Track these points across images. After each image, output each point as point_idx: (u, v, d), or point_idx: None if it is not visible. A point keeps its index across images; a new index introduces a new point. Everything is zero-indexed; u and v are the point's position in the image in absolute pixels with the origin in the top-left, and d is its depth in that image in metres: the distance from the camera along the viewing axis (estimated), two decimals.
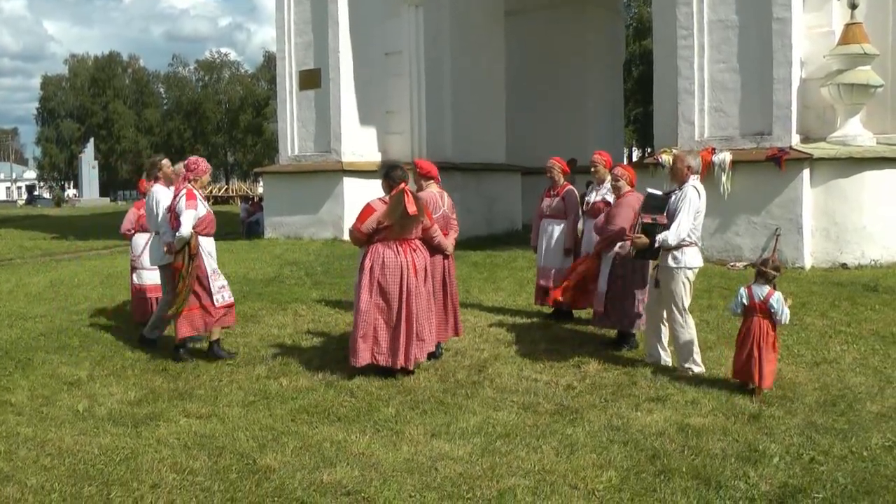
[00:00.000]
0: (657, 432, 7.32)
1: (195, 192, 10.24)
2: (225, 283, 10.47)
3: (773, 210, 15.87)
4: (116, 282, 16.14)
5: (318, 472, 6.51)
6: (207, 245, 10.35)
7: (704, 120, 16.66)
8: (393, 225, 9.11)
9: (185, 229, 9.94)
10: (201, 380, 9.37)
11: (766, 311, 8.46)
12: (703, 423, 7.54)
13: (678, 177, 9.33)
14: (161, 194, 10.84)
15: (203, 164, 10.55)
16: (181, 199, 10.10)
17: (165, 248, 10.45)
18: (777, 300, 8.42)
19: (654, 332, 9.62)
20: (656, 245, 8.96)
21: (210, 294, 10.16)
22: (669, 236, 8.90)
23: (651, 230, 8.94)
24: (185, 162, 10.67)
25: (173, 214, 10.15)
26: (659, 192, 9.39)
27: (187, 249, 10.00)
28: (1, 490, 6.34)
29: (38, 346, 10.96)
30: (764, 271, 8.57)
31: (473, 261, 17.50)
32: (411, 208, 9.06)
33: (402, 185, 9.27)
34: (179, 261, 10.06)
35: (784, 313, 8.42)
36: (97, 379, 9.48)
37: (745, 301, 8.59)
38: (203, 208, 10.30)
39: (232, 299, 10.51)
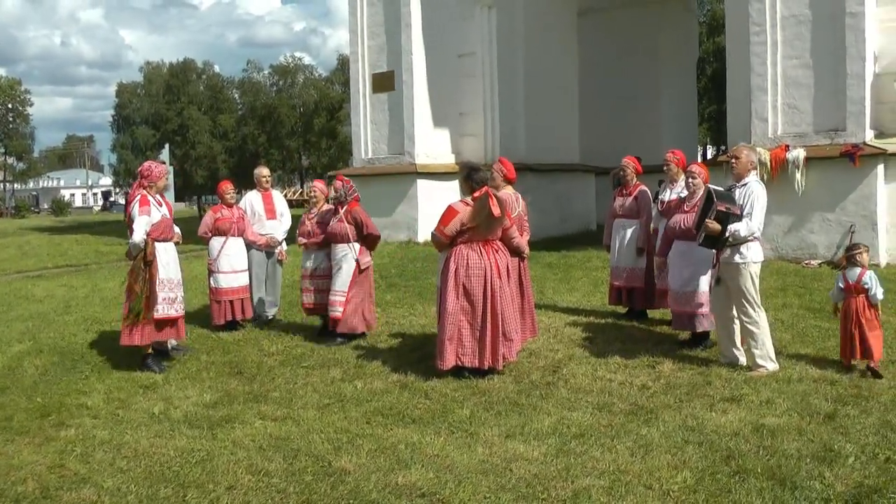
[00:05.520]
0: (732, 432, 7.27)
1: (149, 197, 10.08)
2: (175, 295, 10.33)
3: (848, 207, 15.64)
4: (191, 286, 16.27)
5: (393, 474, 6.56)
6: (165, 251, 10.23)
7: (778, 117, 16.42)
8: (476, 227, 9.15)
9: (138, 235, 9.85)
10: (276, 382, 9.49)
11: (862, 290, 8.91)
12: (778, 423, 7.48)
13: (738, 172, 9.32)
14: None
15: (157, 169, 10.31)
16: (134, 205, 9.96)
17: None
18: (870, 277, 8.96)
19: (725, 331, 9.56)
20: (727, 235, 8.93)
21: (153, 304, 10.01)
22: (742, 228, 8.91)
23: (725, 219, 8.89)
24: (139, 168, 10.42)
25: (129, 221, 10.02)
26: (721, 189, 9.35)
27: (143, 256, 9.89)
28: (78, 492, 6.50)
29: (113, 350, 11.13)
30: (849, 255, 9.16)
31: (548, 261, 17.46)
32: (496, 210, 9.09)
33: (485, 188, 9.31)
34: (132, 267, 9.99)
35: (878, 289, 8.91)
36: (172, 382, 9.66)
37: (841, 285, 9.07)
38: (157, 213, 10.11)
39: (178, 313, 10.41)
